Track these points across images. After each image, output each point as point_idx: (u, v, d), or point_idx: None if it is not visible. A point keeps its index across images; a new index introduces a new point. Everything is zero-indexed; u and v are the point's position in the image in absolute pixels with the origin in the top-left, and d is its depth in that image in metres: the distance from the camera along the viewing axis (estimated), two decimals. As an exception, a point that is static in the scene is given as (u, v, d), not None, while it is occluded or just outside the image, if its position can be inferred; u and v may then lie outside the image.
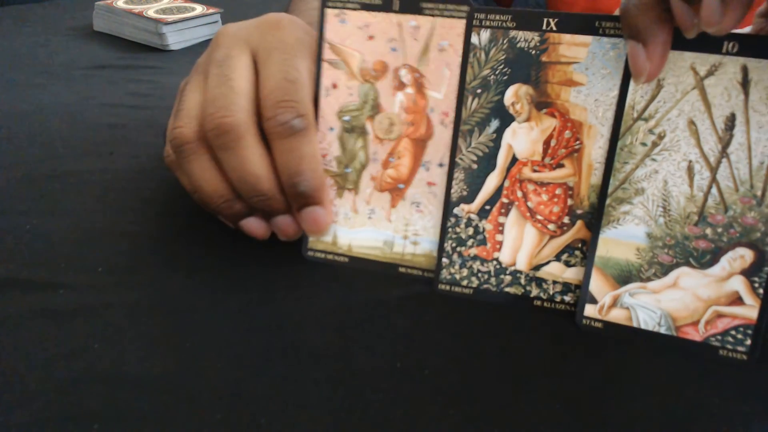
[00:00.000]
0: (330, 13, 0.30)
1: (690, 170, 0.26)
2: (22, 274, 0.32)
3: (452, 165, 0.30)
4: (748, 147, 0.25)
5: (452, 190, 0.30)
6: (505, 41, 0.28)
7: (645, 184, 0.27)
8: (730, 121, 0.26)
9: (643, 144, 0.27)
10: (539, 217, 0.29)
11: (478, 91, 0.28)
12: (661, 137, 0.26)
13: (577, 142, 0.28)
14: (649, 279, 0.27)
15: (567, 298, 0.29)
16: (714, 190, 0.26)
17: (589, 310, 0.28)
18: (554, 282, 0.29)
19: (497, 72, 0.28)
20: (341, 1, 0.29)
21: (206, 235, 0.35)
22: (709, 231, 0.26)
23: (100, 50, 0.65)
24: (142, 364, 0.27)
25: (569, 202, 0.28)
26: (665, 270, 0.27)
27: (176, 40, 0.66)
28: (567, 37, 0.27)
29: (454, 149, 0.29)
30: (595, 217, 0.28)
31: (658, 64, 0.25)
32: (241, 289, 0.31)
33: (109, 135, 0.47)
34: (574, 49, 0.27)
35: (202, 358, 0.27)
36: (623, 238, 0.27)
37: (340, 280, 0.32)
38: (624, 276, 0.28)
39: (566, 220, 0.29)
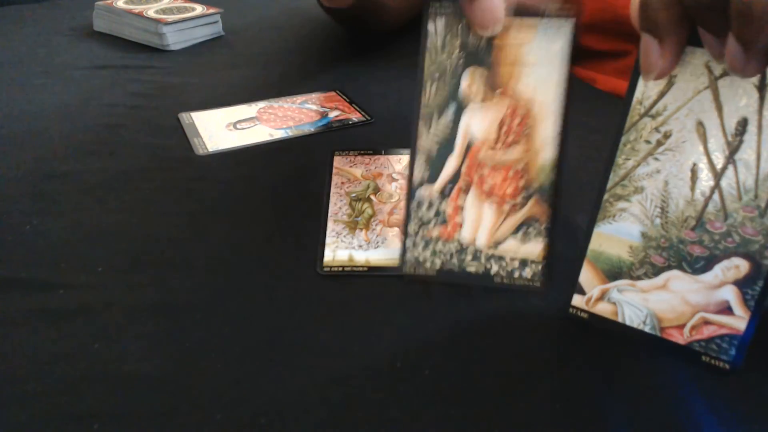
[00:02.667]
0: (337, 158, 0.43)
1: (694, 173, 0.25)
2: (22, 274, 0.32)
3: (414, 151, 0.30)
4: (757, 155, 0.24)
5: (414, 175, 0.30)
6: (459, 27, 0.29)
7: (645, 183, 0.26)
8: (742, 126, 0.24)
9: (648, 142, 0.26)
10: (495, 197, 0.30)
11: (436, 75, 0.29)
12: (666, 136, 0.25)
13: (529, 122, 0.29)
14: (639, 278, 0.27)
15: (525, 274, 0.30)
16: (716, 196, 0.25)
17: (577, 300, 0.29)
18: (512, 258, 0.30)
19: (453, 57, 0.29)
20: (346, 151, 0.43)
21: (206, 235, 0.35)
22: (706, 237, 0.25)
23: (100, 50, 0.65)
24: (142, 364, 0.27)
25: (522, 182, 0.29)
26: (656, 271, 0.26)
27: (176, 40, 0.66)
28: (517, 20, 0.28)
29: (415, 135, 0.30)
30: (591, 211, 0.28)
31: (672, 62, 0.24)
32: (241, 289, 0.31)
33: (109, 135, 0.47)
34: (524, 31, 0.28)
35: (202, 358, 0.27)
36: (617, 235, 0.27)
37: (339, 280, 0.32)
38: (614, 272, 0.27)
39: (520, 198, 0.29)
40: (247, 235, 0.35)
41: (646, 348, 0.28)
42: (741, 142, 0.24)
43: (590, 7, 0.58)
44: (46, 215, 0.37)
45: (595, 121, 0.48)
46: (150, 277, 0.32)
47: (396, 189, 0.40)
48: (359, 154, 0.43)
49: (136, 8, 0.68)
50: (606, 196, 0.27)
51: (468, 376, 0.26)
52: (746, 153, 0.24)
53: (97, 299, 0.30)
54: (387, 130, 0.47)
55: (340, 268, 0.33)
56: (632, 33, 0.25)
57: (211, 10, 0.70)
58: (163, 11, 0.68)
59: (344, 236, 0.35)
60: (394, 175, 0.41)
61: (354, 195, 0.39)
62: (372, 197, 0.39)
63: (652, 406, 0.25)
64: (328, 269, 0.32)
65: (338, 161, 0.43)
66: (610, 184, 0.27)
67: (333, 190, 0.39)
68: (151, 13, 0.67)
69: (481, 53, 0.29)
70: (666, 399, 0.25)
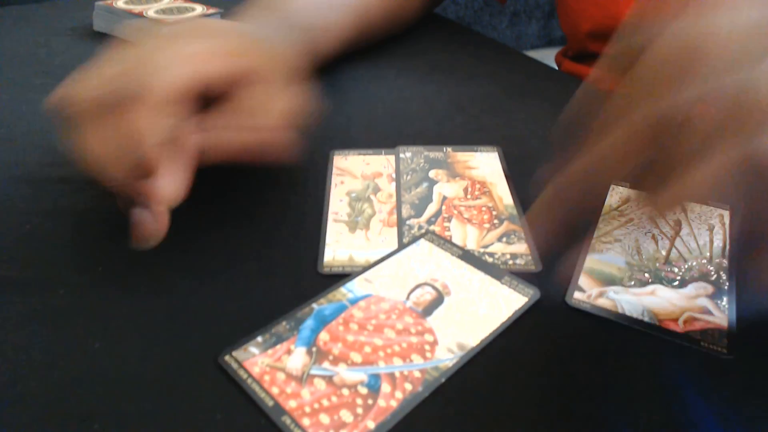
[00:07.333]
0: (337, 157, 0.43)
1: (654, 238, 0.34)
2: (22, 274, 0.32)
3: (399, 203, 0.38)
4: (693, 235, 0.35)
5: (402, 214, 0.37)
6: (422, 156, 0.43)
7: (621, 238, 0.34)
8: (677, 225, 0.35)
9: (618, 221, 0.36)
10: (474, 222, 0.36)
11: (410, 172, 0.41)
12: (629, 220, 0.36)
13: (486, 189, 0.39)
14: (630, 287, 0.31)
15: (518, 262, 0.33)
16: (674, 251, 0.33)
17: (578, 296, 0.31)
18: (503, 253, 0.34)
19: (421, 166, 0.42)
20: (345, 150, 0.44)
21: (206, 235, 0.35)
22: (675, 269, 0.32)
23: (101, 51, 0.65)
24: (142, 364, 0.27)
25: (493, 212, 0.37)
26: (643, 284, 0.32)
27: (176, 40, 0.66)
28: (459, 153, 0.43)
29: (399, 199, 0.38)
30: (583, 245, 0.34)
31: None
32: (241, 289, 0.31)
33: (109, 135, 0.46)
34: (467, 154, 0.43)
35: (202, 358, 0.27)
36: (607, 261, 0.33)
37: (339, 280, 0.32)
38: (608, 280, 0.32)
39: (495, 222, 0.36)
40: (247, 235, 0.35)
41: (646, 336, 0.28)
42: (681, 228, 0.35)
43: (597, 15, 0.64)
44: (46, 215, 0.37)
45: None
46: (150, 277, 0.32)
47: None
48: (359, 153, 0.43)
49: (136, 8, 0.68)
50: (593, 242, 0.34)
51: (468, 376, 0.26)
52: (685, 234, 0.35)
53: (97, 299, 0.30)
54: (387, 129, 0.47)
55: (341, 268, 0.33)
56: None
57: (211, 10, 0.70)
58: (164, 11, 0.68)
59: (344, 236, 0.35)
60: (393, 175, 0.41)
61: (354, 195, 0.39)
62: (372, 197, 0.39)
63: (654, 403, 0.25)
64: (328, 269, 0.32)
65: (338, 161, 0.43)
66: (593, 238, 0.34)
67: (333, 190, 0.39)
68: (151, 14, 0.67)
69: (441, 164, 0.42)
70: (668, 394, 0.25)
